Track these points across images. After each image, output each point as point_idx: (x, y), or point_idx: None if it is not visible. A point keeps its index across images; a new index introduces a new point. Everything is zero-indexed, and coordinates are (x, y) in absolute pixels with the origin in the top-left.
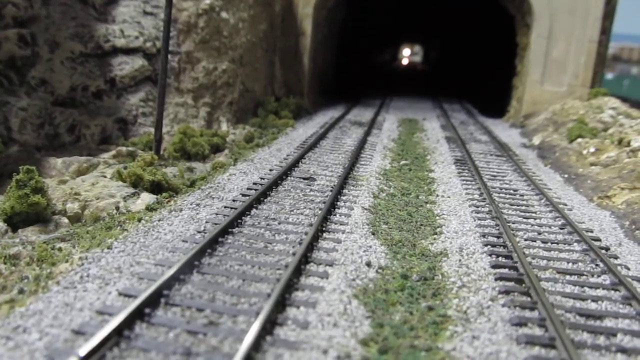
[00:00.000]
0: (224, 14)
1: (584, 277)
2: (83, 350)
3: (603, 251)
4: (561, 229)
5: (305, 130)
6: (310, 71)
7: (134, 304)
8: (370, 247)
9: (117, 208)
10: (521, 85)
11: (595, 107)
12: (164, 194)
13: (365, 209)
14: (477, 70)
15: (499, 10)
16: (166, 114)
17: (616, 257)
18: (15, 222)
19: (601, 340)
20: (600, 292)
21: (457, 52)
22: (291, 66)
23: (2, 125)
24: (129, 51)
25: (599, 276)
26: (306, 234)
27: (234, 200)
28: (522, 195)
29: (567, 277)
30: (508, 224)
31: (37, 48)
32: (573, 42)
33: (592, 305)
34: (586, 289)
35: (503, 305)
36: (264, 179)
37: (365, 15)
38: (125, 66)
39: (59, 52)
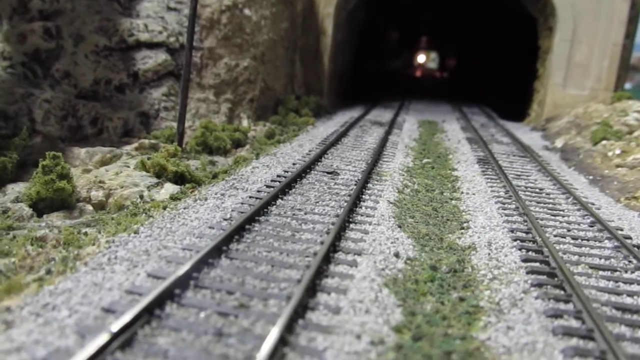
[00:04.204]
0: (246, 11)
1: (618, 272)
2: (115, 327)
3: (636, 249)
4: (590, 226)
5: (326, 128)
6: (330, 71)
7: (163, 285)
8: (398, 239)
9: (141, 197)
10: (542, 88)
11: (620, 111)
12: (187, 185)
13: (391, 202)
14: (496, 74)
15: (520, 14)
16: (188, 109)
17: None
18: (40, 207)
19: None
20: (635, 288)
21: (476, 57)
22: (311, 65)
23: (26, 116)
24: (152, 46)
25: (632, 272)
26: (333, 224)
27: (258, 191)
28: (548, 193)
29: (600, 272)
30: (536, 220)
31: (61, 41)
32: (596, 45)
33: (628, 300)
34: (620, 284)
35: (536, 298)
36: (287, 172)
37: (383, 20)
38: (148, 60)
39: (83, 46)
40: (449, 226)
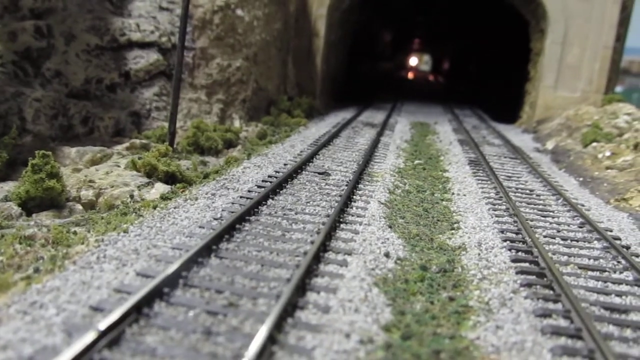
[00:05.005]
0: (239, 12)
1: (607, 273)
2: (103, 325)
3: (624, 249)
4: (580, 227)
5: (318, 129)
6: (322, 72)
7: (152, 283)
8: (388, 239)
9: (132, 196)
10: (534, 90)
11: (610, 113)
12: (178, 185)
13: (382, 203)
14: (489, 76)
15: (512, 16)
16: (179, 109)
17: (637, 256)
18: (30, 206)
19: (628, 333)
20: (624, 288)
21: (469, 59)
22: (304, 66)
23: (17, 115)
24: (144, 45)
25: (621, 272)
26: (324, 224)
27: (249, 191)
28: (538, 195)
29: (589, 272)
30: (526, 221)
31: (52, 40)
32: (587, 48)
33: (616, 300)
34: (609, 284)
35: (525, 298)
36: (278, 172)
37: (376, 22)
38: (140, 60)
39: (75, 45)
40: (439, 227)
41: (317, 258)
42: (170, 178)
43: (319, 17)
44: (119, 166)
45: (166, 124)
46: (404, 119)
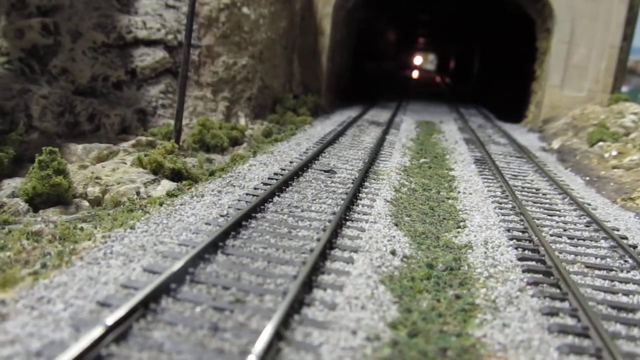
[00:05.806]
0: (245, 10)
1: (614, 272)
2: (110, 320)
3: (631, 248)
4: (587, 226)
5: (324, 127)
6: (328, 71)
7: (159, 279)
8: (394, 237)
9: (138, 193)
10: (540, 90)
11: (617, 113)
12: (184, 182)
13: (388, 201)
14: (494, 75)
15: (518, 15)
16: (185, 107)
17: None
18: (37, 203)
19: (635, 331)
20: (631, 287)
21: (474, 58)
22: (309, 65)
23: (23, 112)
24: (150, 43)
25: (628, 272)
26: (330, 221)
27: (255, 189)
28: (544, 194)
29: (596, 271)
30: (533, 220)
31: (59, 37)
32: (594, 47)
33: (624, 299)
34: (616, 283)
35: (532, 296)
36: (284, 169)
37: (381, 21)
38: (146, 58)
39: (81, 42)
40: (445, 225)
41: (324, 255)
42: (176, 175)
43: (324, 15)
44: (125, 163)
45: (172, 122)
46: (409, 117)
